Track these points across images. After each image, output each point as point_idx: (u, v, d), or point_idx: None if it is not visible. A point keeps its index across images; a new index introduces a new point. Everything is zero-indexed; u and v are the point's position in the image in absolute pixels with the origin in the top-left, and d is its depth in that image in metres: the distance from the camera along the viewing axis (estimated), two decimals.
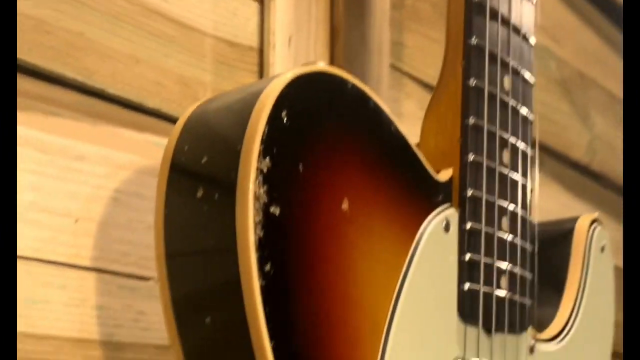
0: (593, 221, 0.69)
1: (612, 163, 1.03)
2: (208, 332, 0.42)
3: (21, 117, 0.48)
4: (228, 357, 0.41)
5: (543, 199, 0.94)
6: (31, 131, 0.48)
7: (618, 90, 1.05)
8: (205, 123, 0.45)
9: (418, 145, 0.55)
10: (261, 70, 0.60)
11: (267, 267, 0.40)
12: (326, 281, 0.43)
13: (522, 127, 0.58)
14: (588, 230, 0.68)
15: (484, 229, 0.53)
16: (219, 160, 0.42)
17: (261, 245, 0.39)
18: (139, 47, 0.53)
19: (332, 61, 0.67)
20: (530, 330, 0.59)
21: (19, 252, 0.46)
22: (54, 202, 0.48)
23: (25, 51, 0.48)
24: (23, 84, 0.48)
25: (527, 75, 0.58)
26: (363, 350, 0.45)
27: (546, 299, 0.67)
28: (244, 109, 0.42)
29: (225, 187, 0.41)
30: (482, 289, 0.52)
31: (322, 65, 0.45)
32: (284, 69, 0.62)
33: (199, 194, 0.42)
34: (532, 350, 0.58)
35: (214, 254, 0.41)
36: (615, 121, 1.04)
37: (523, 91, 0.58)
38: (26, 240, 0.47)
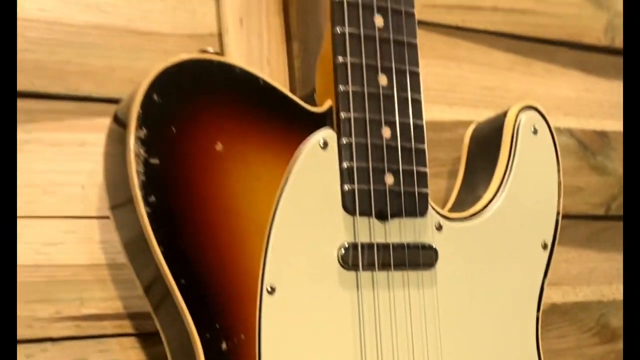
0: (523, 108, 0.82)
1: None
2: (131, 249, 0.66)
3: (36, 125, 0.74)
4: (144, 260, 0.64)
5: (563, 88, 1.06)
6: (44, 134, 0.75)
7: None
8: (123, 104, 0.68)
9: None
10: (222, 51, 0.82)
11: (152, 199, 0.62)
12: (208, 200, 0.65)
13: (403, 52, 0.74)
14: (516, 116, 0.82)
15: (357, 140, 0.70)
16: (120, 134, 0.65)
17: (144, 185, 0.62)
18: (113, 59, 0.77)
19: (287, 28, 0.86)
20: (436, 211, 0.75)
21: (43, 213, 0.72)
22: (66, 177, 0.75)
23: (28, 83, 0.74)
24: (32, 104, 0.74)
25: (406, 9, 0.74)
26: (249, 247, 0.66)
27: (480, 184, 0.82)
28: (130, 96, 0.65)
29: (123, 151, 0.63)
30: (362, 187, 0.70)
31: (192, 54, 0.66)
32: (238, 47, 0.83)
33: (114, 158, 0.66)
34: (439, 227, 0.75)
35: (125, 197, 0.64)
36: None
37: (399, 24, 0.74)
38: (47, 205, 0.73)
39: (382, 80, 0.73)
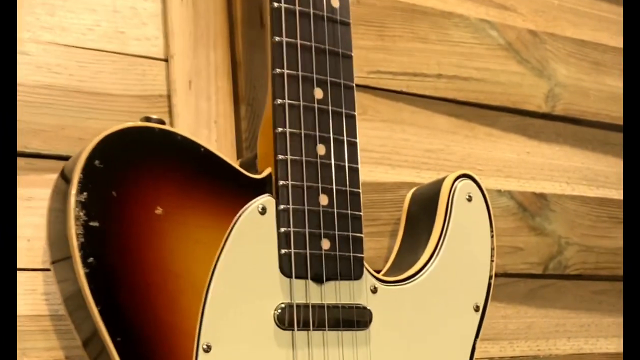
0: (459, 177, 0.87)
1: (585, 104, 1.15)
2: (71, 304, 0.68)
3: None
4: (82, 315, 0.67)
5: (505, 151, 1.10)
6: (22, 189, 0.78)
7: (588, 35, 1.17)
8: (69, 163, 0.71)
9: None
10: (170, 111, 0.85)
11: (90, 260, 0.65)
12: (147, 262, 0.68)
13: (341, 123, 0.78)
14: (452, 185, 0.86)
15: (294, 206, 0.74)
16: (64, 192, 0.68)
17: (83, 247, 0.65)
18: (64, 117, 0.81)
19: (235, 90, 0.89)
20: (372, 274, 0.79)
21: None
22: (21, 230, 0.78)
23: None
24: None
25: (345, 82, 0.79)
26: (187, 307, 0.69)
27: (417, 247, 0.86)
28: (74, 159, 0.68)
29: (64, 211, 0.66)
30: (298, 251, 0.74)
31: (135, 123, 0.69)
32: (186, 108, 0.86)
33: (56, 214, 0.68)
34: (374, 290, 0.79)
35: (65, 255, 0.67)
36: (583, 66, 1.16)
37: (338, 96, 0.78)
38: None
39: (320, 149, 0.77)
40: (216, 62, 0.88)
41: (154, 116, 0.72)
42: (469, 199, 0.87)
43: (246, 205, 0.73)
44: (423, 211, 0.89)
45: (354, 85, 0.80)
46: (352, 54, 0.80)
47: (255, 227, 0.73)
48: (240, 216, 0.73)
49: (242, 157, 0.86)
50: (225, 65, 0.89)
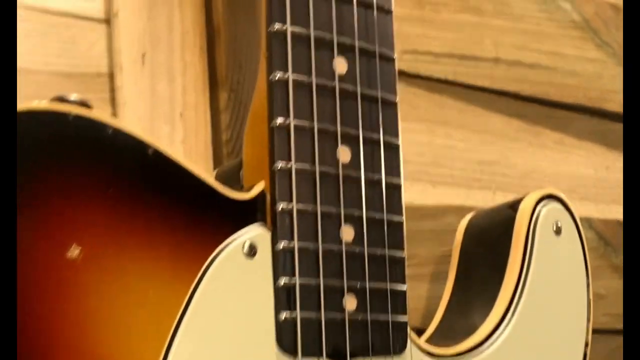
0: (542, 198, 0.60)
1: None
2: None
3: None
4: None
5: (580, 165, 0.84)
6: None
7: None
8: None
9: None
10: (113, 98, 0.58)
11: None
12: (50, 341, 0.41)
13: (375, 114, 0.51)
14: (533, 211, 0.59)
15: (302, 244, 0.47)
16: None
17: None
18: None
19: (212, 71, 0.63)
20: (418, 347, 0.52)
21: None
22: None
23: None
24: None
25: (382, 51, 0.52)
26: None
27: (478, 302, 0.59)
28: None
29: None
30: (307, 315, 0.47)
31: (35, 104, 0.42)
32: (137, 93, 0.59)
33: None
34: None
35: None
36: None
37: (371, 72, 0.51)
38: None
39: (344, 154, 0.50)
40: (183, 26, 0.61)
41: (73, 95, 0.45)
42: (558, 231, 0.60)
43: (224, 243, 0.46)
44: (486, 248, 0.62)
45: (394, 57, 0.53)
46: (392, 8, 0.53)
47: (239, 277, 0.46)
48: (214, 260, 0.45)
49: (221, 165, 0.60)
50: (198, 32, 0.62)
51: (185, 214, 0.45)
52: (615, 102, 0.88)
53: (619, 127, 0.89)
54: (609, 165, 0.87)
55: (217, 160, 0.61)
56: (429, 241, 0.73)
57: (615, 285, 0.84)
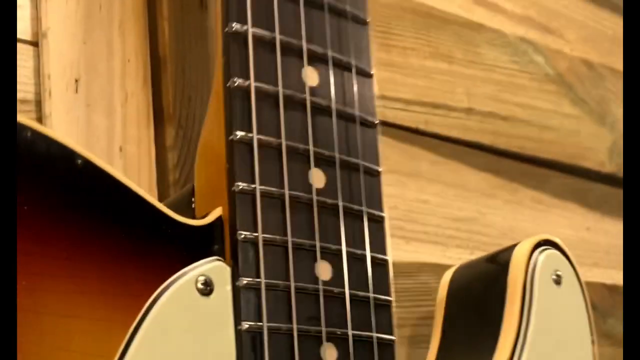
0: (538, 244, 0.53)
1: None
2: None
3: None
4: None
5: (559, 225, 0.78)
6: None
7: None
8: None
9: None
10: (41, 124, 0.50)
11: None
12: None
13: (354, 134, 0.44)
14: (529, 258, 0.52)
15: (267, 281, 0.38)
16: None
17: None
18: None
19: (159, 99, 0.55)
20: None
21: None
22: None
23: None
24: None
25: (359, 65, 0.45)
26: None
27: None
28: None
29: None
30: None
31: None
32: (69, 123, 0.51)
33: None
34: None
35: None
36: None
37: (347, 86, 0.44)
38: None
39: (317, 178, 0.42)
40: (124, 53, 0.53)
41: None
42: (557, 281, 0.52)
43: (173, 277, 0.37)
44: (476, 302, 0.54)
45: (372, 73, 0.47)
46: (369, 21, 0.47)
47: (191, 318, 0.37)
48: (158, 297, 0.36)
49: (167, 198, 0.51)
50: (141, 61, 0.54)
51: (124, 239, 0.36)
52: (593, 161, 0.82)
53: (597, 187, 0.82)
54: (590, 227, 0.80)
55: (162, 198, 0.53)
56: (405, 301, 0.64)
57: (606, 352, 0.76)
